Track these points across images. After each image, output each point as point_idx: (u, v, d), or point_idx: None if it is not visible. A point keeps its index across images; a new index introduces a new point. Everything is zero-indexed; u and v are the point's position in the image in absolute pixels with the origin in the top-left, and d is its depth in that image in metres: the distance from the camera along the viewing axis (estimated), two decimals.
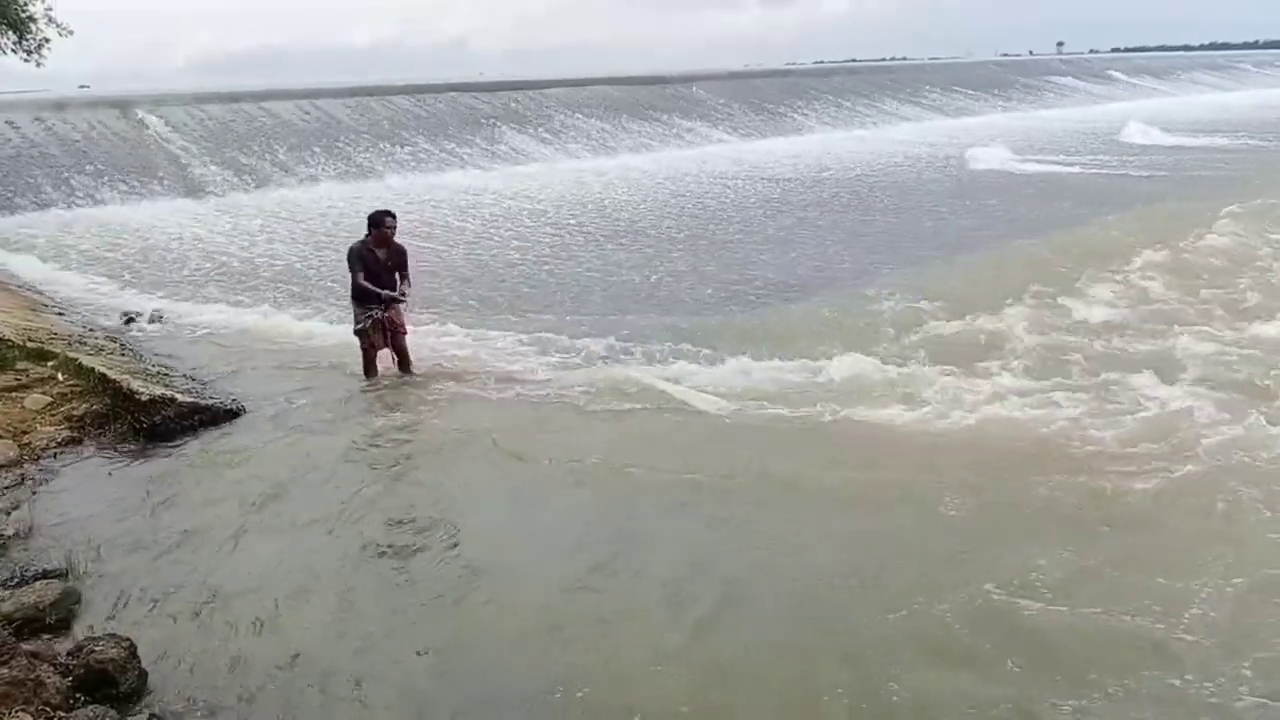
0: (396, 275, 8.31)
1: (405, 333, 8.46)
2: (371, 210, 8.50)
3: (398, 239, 8.46)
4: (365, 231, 8.35)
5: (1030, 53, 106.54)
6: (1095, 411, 6.81)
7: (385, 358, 8.50)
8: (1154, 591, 4.51)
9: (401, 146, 26.75)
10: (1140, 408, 6.86)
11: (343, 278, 8.28)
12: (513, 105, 32.17)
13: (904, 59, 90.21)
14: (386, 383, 8.34)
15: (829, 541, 5.24)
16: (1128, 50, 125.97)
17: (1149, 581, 4.60)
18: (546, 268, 13.79)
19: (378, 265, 8.21)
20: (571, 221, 17.84)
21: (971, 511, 5.44)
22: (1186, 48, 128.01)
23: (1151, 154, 27.27)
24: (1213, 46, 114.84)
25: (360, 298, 8.24)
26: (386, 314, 8.25)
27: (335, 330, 9.47)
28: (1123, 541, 5.04)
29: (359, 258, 8.21)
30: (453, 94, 32.29)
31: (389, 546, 5.37)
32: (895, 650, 4.19)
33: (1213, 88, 61.74)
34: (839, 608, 4.57)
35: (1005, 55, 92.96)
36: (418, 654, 4.33)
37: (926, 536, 5.22)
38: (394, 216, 8.33)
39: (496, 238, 16.33)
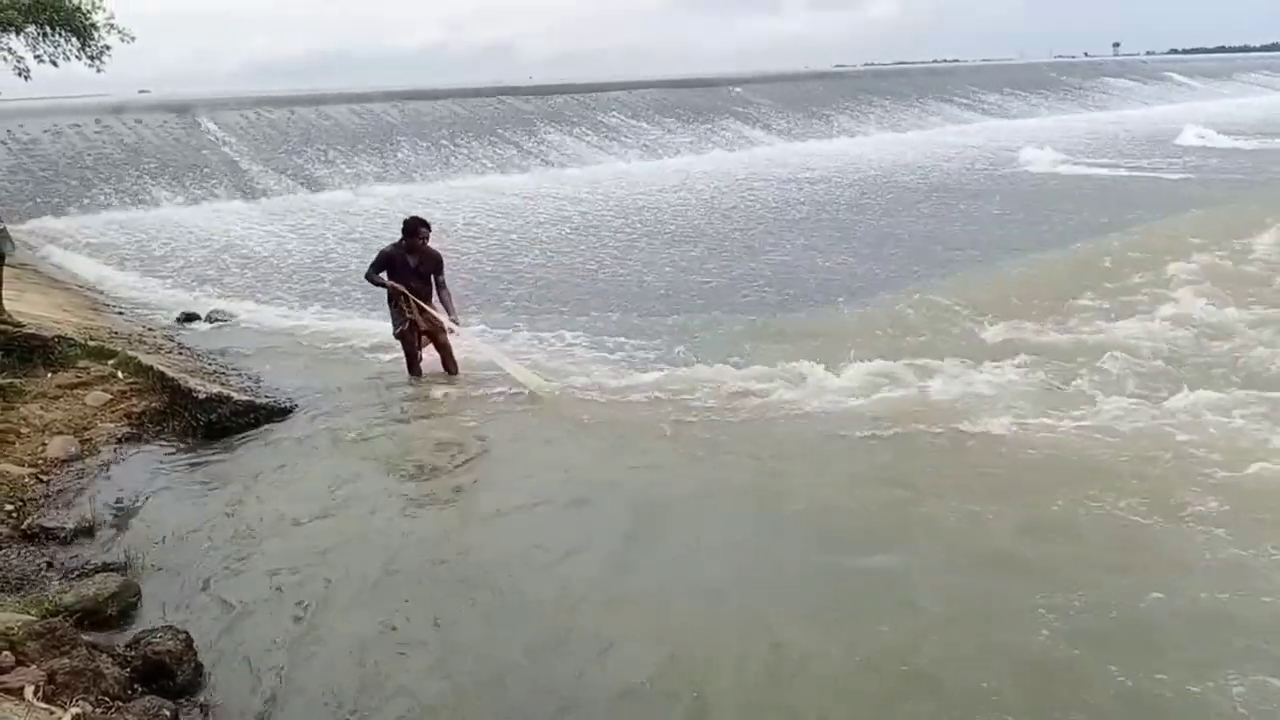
0: (431, 281, 8.43)
1: (445, 332, 8.54)
2: (409, 216, 8.62)
3: (437, 245, 8.61)
4: (400, 236, 8.45)
5: (1085, 54, 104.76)
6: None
7: (432, 358, 8.63)
8: None
9: (451, 149, 27.00)
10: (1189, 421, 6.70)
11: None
12: (561, 109, 32.33)
13: (955, 61, 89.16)
14: (430, 381, 8.45)
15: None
16: (1185, 52, 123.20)
17: None
18: (590, 269, 13.85)
19: (407, 271, 8.34)
20: (616, 224, 17.87)
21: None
22: (1246, 49, 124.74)
23: (1210, 157, 26.68)
24: (1274, 48, 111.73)
25: (390, 297, 8.38)
26: (421, 318, 8.37)
27: (384, 329, 9.56)
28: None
29: (386, 258, 8.41)
30: (502, 97, 32.52)
31: (442, 543, 5.42)
32: None
33: (1274, 90, 60.19)
34: None
35: (1059, 57, 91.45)
36: (471, 649, 4.37)
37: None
38: (428, 226, 8.44)
39: (543, 240, 16.41)
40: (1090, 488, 5.62)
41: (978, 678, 3.97)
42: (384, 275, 8.40)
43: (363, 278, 8.75)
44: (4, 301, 9.08)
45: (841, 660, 4.18)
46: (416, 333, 8.46)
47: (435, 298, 8.48)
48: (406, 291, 8.29)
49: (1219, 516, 5.20)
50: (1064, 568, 4.80)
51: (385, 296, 8.53)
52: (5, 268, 9.08)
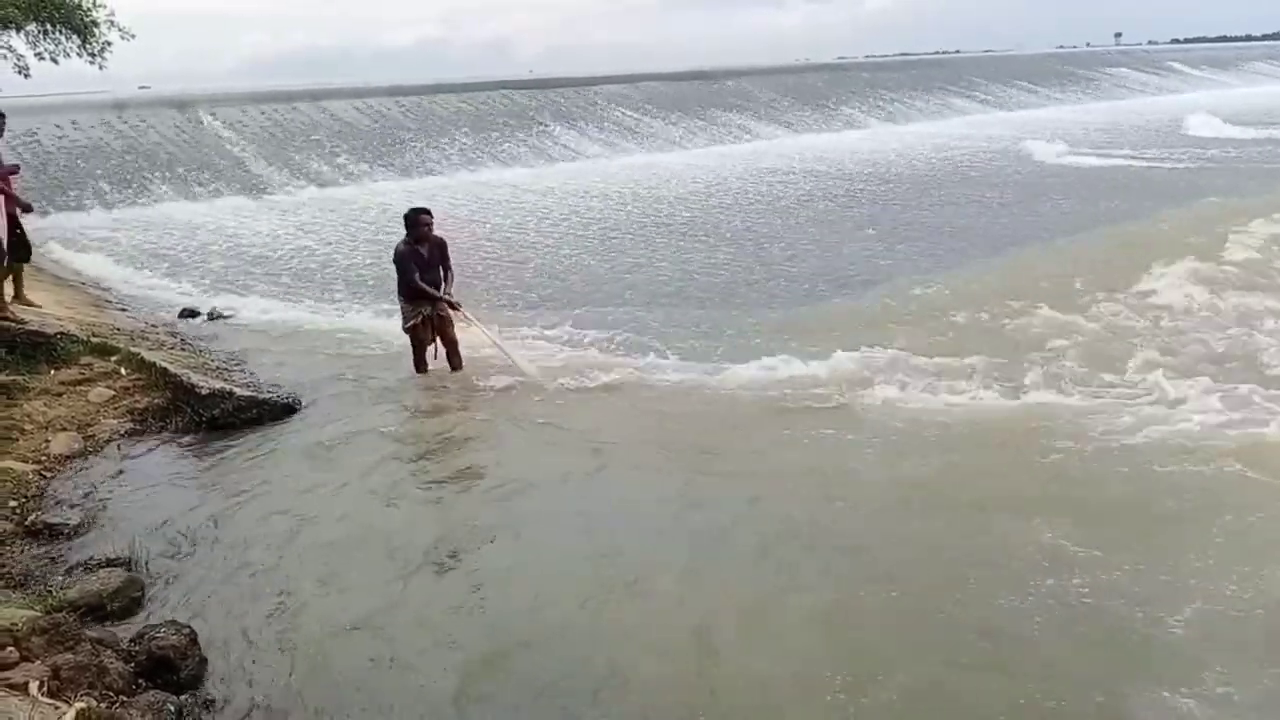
0: (440, 269, 8.36)
1: (454, 326, 8.51)
2: (406, 209, 8.53)
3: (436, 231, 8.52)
4: (405, 232, 8.36)
5: (1087, 45, 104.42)
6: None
7: (437, 352, 8.59)
8: None
9: (453, 144, 26.94)
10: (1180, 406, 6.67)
11: (393, 272, 8.42)
12: (562, 102, 32.26)
13: (957, 53, 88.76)
14: (437, 377, 8.41)
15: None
16: (1187, 41, 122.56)
17: None
18: (591, 263, 13.79)
19: (424, 262, 8.26)
20: (618, 218, 17.80)
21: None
22: (1248, 38, 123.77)
23: (1216, 146, 26.52)
24: (1276, 36, 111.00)
25: (412, 297, 8.30)
26: (435, 312, 8.32)
27: (389, 325, 9.53)
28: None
29: (410, 259, 8.23)
30: (503, 92, 32.46)
31: (446, 540, 5.40)
32: None
33: (1278, 78, 59.95)
34: None
35: (1061, 47, 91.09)
36: (475, 647, 4.34)
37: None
38: (429, 213, 8.37)
39: (542, 234, 16.36)
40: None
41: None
42: (417, 277, 8.22)
43: (399, 295, 8.39)
44: (5, 297, 9.07)
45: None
46: (429, 327, 8.41)
47: (444, 284, 8.40)
48: (443, 298, 8.21)
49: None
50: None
51: (396, 289, 8.46)
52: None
